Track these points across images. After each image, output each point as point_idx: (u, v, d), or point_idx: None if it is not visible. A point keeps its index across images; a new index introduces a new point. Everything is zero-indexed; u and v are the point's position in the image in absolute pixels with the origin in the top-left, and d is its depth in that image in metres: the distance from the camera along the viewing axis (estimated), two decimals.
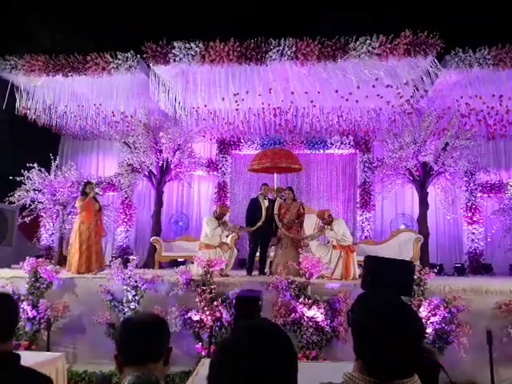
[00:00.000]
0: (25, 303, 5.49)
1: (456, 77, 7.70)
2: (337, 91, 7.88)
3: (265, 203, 6.94)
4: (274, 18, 9.35)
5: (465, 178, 9.36)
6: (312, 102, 8.31)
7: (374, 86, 7.70)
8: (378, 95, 7.97)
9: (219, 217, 6.74)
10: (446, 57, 7.47)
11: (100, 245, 7.05)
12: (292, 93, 8.01)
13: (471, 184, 9.51)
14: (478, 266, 9.03)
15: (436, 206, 9.37)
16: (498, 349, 4.77)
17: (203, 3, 9.82)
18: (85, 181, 7.63)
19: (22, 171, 8.82)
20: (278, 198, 7.07)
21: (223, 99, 8.06)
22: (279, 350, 0.96)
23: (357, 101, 8.15)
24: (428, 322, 4.96)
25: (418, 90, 7.92)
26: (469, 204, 9.53)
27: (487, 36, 7.62)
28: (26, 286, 5.69)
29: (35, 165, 8.92)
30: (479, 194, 9.59)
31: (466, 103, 8.24)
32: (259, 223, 6.76)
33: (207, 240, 6.60)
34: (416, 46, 7.11)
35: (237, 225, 7.64)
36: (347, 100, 8.16)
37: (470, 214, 9.51)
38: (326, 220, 6.58)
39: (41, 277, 5.70)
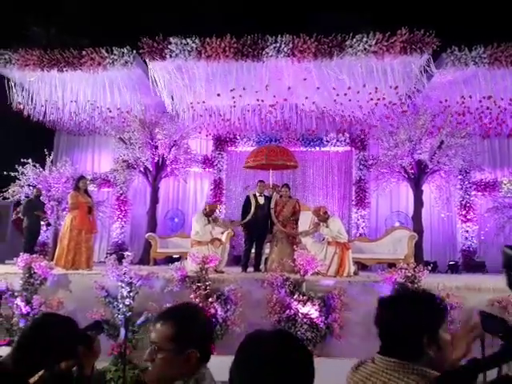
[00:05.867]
0: (18, 299, 5.45)
1: (452, 75, 7.73)
2: (334, 88, 7.89)
3: (260, 200, 6.95)
4: (271, 15, 9.32)
5: (459, 177, 9.41)
6: (307, 98, 8.30)
7: (364, 85, 7.72)
8: (373, 93, 7.97)
9: (209, 214, 6.73)
10: (443, 55, 7.49)
11: (91, 243, 6.95)
12: (289, 88, 7.99)
13: (466, 182, 9.56)
14: (471, 263, 9.09)
15: (430, 203, 9.42)
16: (490, 346, 4.81)
17: None
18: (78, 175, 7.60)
19: (17, 166, 8.76)
20: (274, 194, 7.08)
21: (218, 95, 8.04)
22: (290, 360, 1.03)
23: (350, 100, 8.15)
24: None
25: (413, 88, 7.93)
26: (463, 202, 9.58)
27: (483, 35, 7.63)
28: (20, 281, 5.65)
29: (30, 160, 8.87)
30: (473, 193, 9.64)
31: (462, 102, 8.26)
32: (249, 217, 6.78)
33: (198, 237, 6.60)
34: (412, 43, 7.13)
35: (226, 220, 7.63)
36: (335, 98, 8.16)
37: (464, 212, 9.56)
38: (322, 217, 6.59)
39: (35, 273, 5.66)
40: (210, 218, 6.71)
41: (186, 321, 1.37)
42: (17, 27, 8.74)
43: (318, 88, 7.94)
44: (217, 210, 7.07)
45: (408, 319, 1.30)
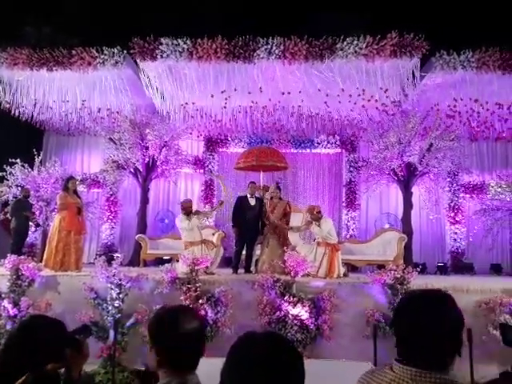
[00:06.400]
0: (6, 301, 5.38)
1: (441, 79, 7.81)
2: (319, 90, 7.92)
3: (251, 201, 6.96)
4: (263, 17, 9.33)
5: (448, 179, 9.52)
6: (301, 101, 8.33)
7: (358, 88, 7.77)
8: (363, 95, 8.03)
9: (187, 211, 6.69)
10: (432, 59, 7.58)
11: (80, 244, 6.80)
12: (283, 93, 8.02)
13: (454, 184, 9.67)
14: (459, 265, 9.19)
15: (420, 205, 9.52)
16: (478, 347, 4.85)
17: (192, 0, 9.75)
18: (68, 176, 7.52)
19: (5, 166, 8.65)
20: (266, 194, 7.09)
21: (212, 96, 8.03)
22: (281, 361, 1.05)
23: (340, 102, 8.19)
24: None
25: (403, 91, 8.00)
26: (451, 204, 9.69)
27: (472, 38, 7.73)
28: (8, 283, 5.58)
29: (18, 160, 8.76)
30: (462, 195, 9.76)
31: (454, 105, 8.33)
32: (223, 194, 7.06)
33: (189, 237, 6.58)
34: (402, 47, 7.20)
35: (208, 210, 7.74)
36: (326, 100, 8.21)
37: (452, 214, 9.67)
38: (315, 216, 6.61)
39: (22, 274, 5.59)
40: (191, 214, 6.69)
41: (160, 321, 1.46)
42: (8, 26, 8.63)
43: (308, 90, 7.98)
44: (193, 204, 7.06)
45: (439, 324, 1.20)
